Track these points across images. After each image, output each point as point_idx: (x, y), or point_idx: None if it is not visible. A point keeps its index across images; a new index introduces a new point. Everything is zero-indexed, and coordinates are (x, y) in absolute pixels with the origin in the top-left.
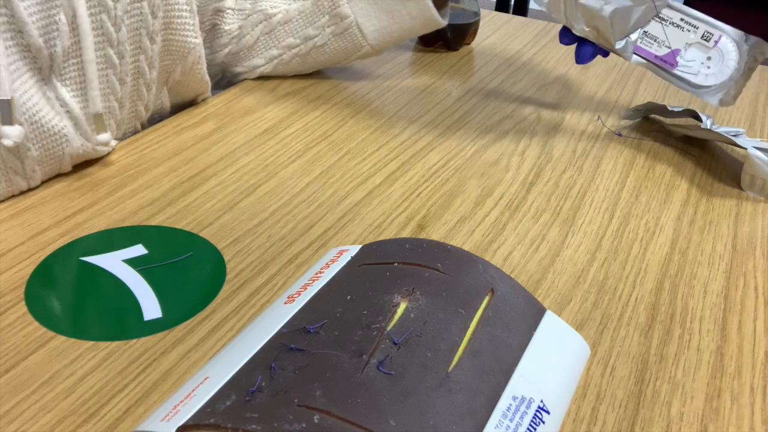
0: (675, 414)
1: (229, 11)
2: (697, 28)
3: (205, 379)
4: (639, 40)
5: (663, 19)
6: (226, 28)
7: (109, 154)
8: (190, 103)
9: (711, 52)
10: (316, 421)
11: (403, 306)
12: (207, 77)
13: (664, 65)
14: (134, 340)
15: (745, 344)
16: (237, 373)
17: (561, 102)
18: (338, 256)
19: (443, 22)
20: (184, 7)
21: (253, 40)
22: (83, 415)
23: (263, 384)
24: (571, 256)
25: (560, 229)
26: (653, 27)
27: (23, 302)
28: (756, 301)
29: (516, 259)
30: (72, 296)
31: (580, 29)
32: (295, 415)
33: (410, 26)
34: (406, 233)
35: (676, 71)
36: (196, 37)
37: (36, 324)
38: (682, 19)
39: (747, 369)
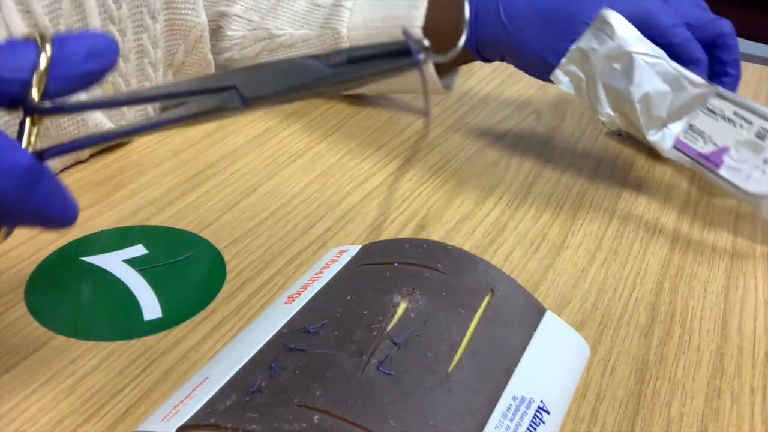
0: (675, 414)
1: (235, 17)
2: (752, 123)
3: (205, 379)
4: (683, 134)
5: (712, 111)
6: (229, 33)
7: (112, 153)
8: None
9: (767, 153)
10: (316, 421)
11: (403, 306)
12: (210, 57)
13: (707, 164)
14: (134, 340)
15: (745, 344)
16: (237, 373)
17: (561, 102)
18: (338, 256)
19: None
20: None
21: (255, 53)
22: (83, 415)
23: (263, 384)
24: (571, 257)
25: (560, 229)
26: (700, 119)
27: (23, 302)
28: (756, 301)
29: (516, 259)
30: (72, 296)
31: (606, 114)
32: (295, 415)
33: (401, 79)
34: (406, 233)
35: (721, 171)
36: (197, 16)
37: (36, 324)
38: (735, 113)
39: (747, 369)
